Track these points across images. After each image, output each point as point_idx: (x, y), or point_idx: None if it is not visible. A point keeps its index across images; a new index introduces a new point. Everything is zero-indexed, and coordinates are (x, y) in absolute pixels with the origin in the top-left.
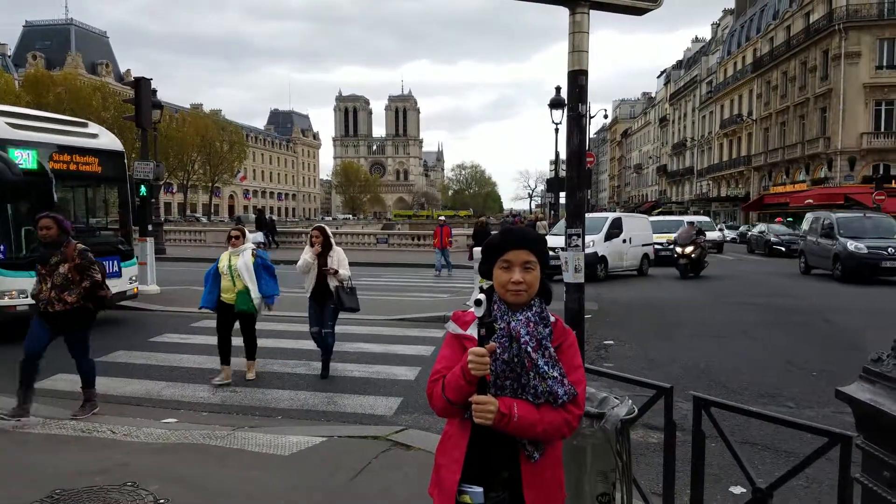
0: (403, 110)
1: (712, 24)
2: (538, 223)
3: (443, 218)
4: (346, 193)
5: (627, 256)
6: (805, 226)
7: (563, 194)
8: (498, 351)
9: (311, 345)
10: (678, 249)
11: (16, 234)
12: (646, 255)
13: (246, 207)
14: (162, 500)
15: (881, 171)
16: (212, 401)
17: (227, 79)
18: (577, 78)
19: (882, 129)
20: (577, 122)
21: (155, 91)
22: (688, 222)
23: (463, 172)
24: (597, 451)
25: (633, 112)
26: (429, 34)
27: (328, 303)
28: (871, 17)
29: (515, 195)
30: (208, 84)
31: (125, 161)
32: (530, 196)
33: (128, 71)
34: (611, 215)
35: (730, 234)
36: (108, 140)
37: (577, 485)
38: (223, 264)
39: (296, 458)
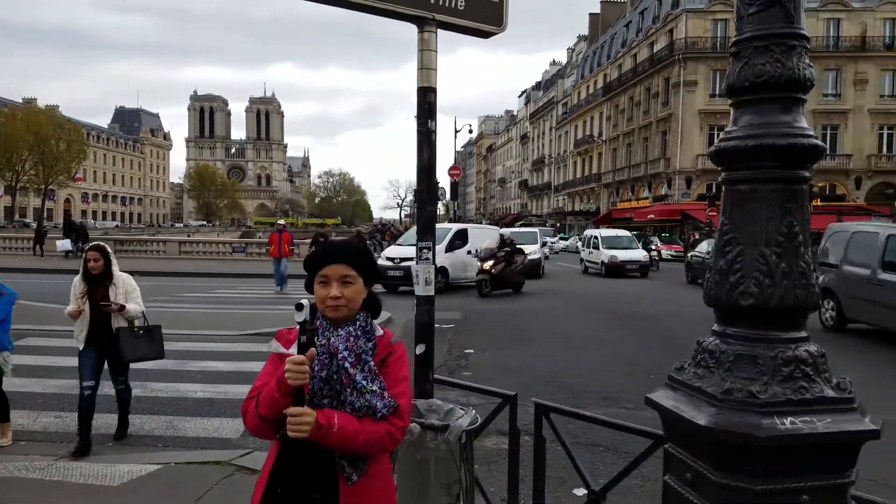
0: (266, 113)
1: (568, 49)
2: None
3: (282, 222)
4: (201, 198)
5: (472, 268)
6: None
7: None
8: (316, 368)
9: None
10: (478, 264)
11: None
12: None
13: (84, 212)
14: None
15: (714, 190)
16: (32, 428)
17: (65, 71)
18: (427, 95)
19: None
20: (426, 138)
21: None
22: (501, 234)
23: (331, 180)
24: (440, 463)
25: (497, 128)
26: (294, 37)
27: (114, 351)
28: (706, 49)
29: (385, 204)
30: (44, 77)
31: None
32: (400, 206)
33: None
34: (455, 226)
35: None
36: None
37: (420, 499)
38: None
39: (127, 489)
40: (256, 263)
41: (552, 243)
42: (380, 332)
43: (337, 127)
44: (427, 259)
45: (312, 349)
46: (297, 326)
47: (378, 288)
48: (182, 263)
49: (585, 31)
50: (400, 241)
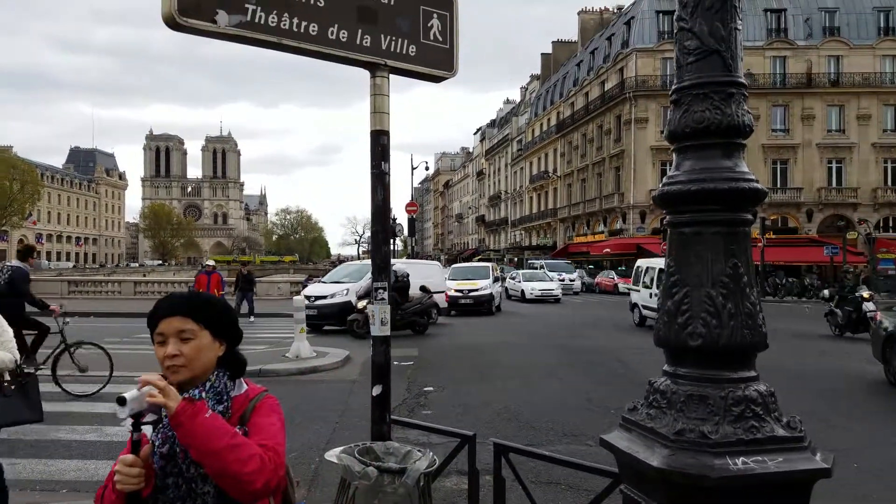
0: (223, 151)
1: (521, 88)
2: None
3: (211, 263)
4: (156, 237)
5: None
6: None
7: (397, 239)
8: (157, 444)
9: (104, 407)
10: (356, 303)
11: None
12: (433, 304)
13: (39, 253)
14: None
15: None
16: None
17: (19, 111)
18: (380, 137)
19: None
20: (380, 180)
21: None
22: (394, 270)
23: (288, 217)
24: None
25: (453, 165)
26: (250, 77)
27: None
28: (655, 87)
29: (343, 240)
30: None
31: None
32: (357, 242)
33: None
34: (401, 263)
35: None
36: None
37: None
38: None
39: None
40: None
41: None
42: (242, 388)
43: (293, 164)
44: (383, 300)
45: (147, 446)
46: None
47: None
48: (138, 304)
49: (538, 71)
50: (326, 277)
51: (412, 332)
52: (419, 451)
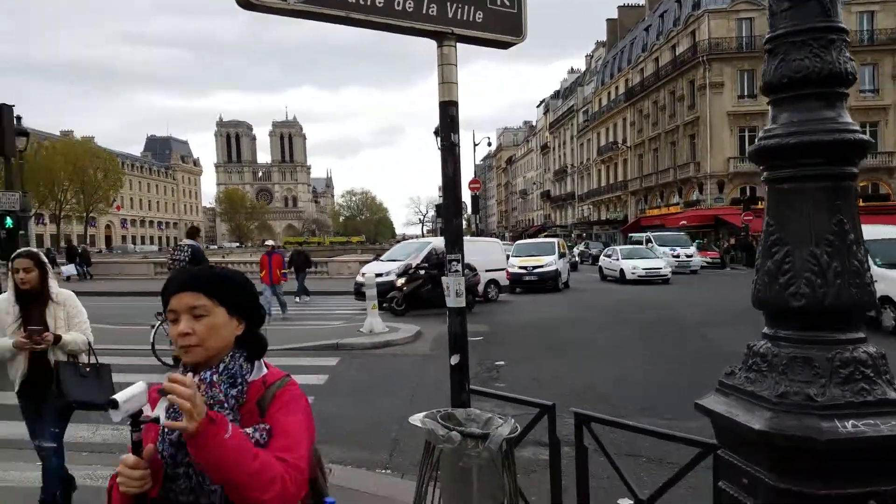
0: (289, 136)
1: (586, 56)
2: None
3: (271, 243)
4: (232, 221)
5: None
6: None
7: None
8: (167, 430)
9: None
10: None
11: None
12: (493, 281)
13: (124, 238)
14: None
15: (748, 193)
16: (93, 440)
17: (100, 105)
18: (448, 109)
19: (746, 155)
20: (450, 152)
21: (19, 118)
22: (433, 248)
23: (353, 198)
24: (483, 471)
25: (516, 140)
26: (312, 62)
27: (49, 395)
28: (731, 49)
29: (407, 220)
30: (80, 111)
31: None
32: (421, 221)
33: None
34: (435, 240)
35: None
36: None
37: None
38: None
39: None
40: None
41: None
42: (261, 371)
43: (357, 147)
44: (457, 272)
45: (151, 446)
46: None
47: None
48: None
49: (604, 38)
50: (384, 256)
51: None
52: (500, 417)
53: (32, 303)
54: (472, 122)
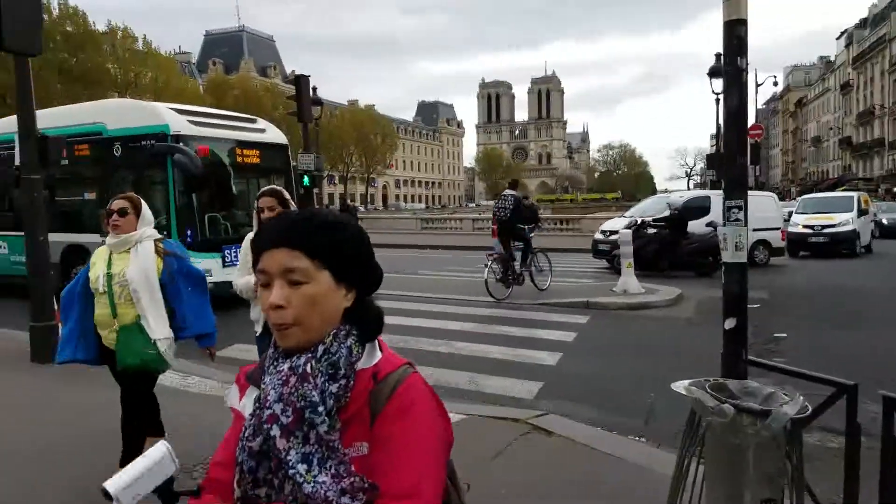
0: (547, 92)
1: None
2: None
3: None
4: (489, 180)
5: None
6: None
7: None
8: (248, 434)
9: (452, 324)
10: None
11: (200, 221)
12: (762, 242)
13: (397, 196)
14: None
15: None
16: None
17: (378, 74)
18: (735, 28)
19: None
20: (735, 78)
21: (315, 89)
22: (668, 204)
23: (610, 153)
24: (760, 452)
25: (808, 79)
26: (571, 11)
27: None
28: None
29: (671, 175)
30: (363, 81)
31: (289, 153)
32: (688, 175)
33: (293, 72)
34: (689, 194)
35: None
36: (274, 134)
37: (736, 489)
38: (96, 272)
39: None
40: (539, 238)
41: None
42: (374, 357)
43: (615, 99)
44: (737, 221)
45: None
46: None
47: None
48: (474, 238)
49: None
50: (628, 213)
51: (694, 273)
52: (785, 393)
53: None
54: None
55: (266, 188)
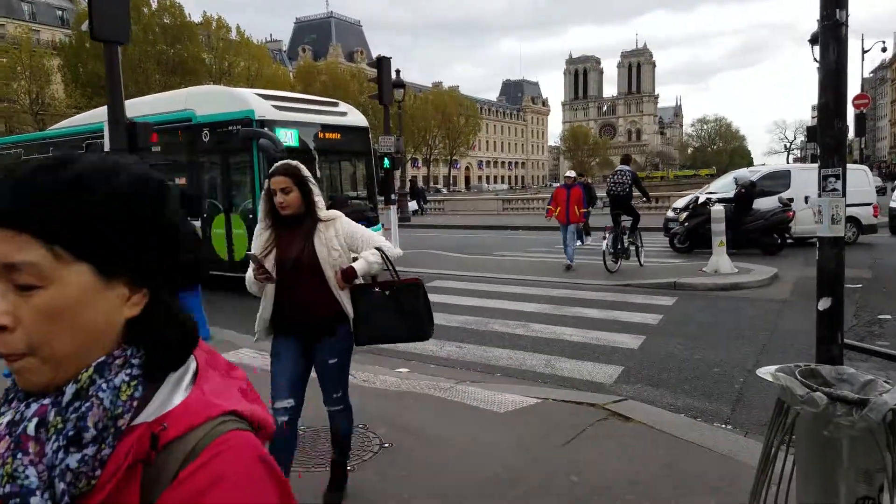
0: (637, 65)
1: None
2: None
3: (571, 174)
4: (574, 158)
5: (800, 220)
6: None
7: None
8: None
9: (529, 306)
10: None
11: None
12: (851, 219)
13: (480, 178)
14: (387, 444)
15: None
16: (439, 354)
17: (464, 56)
18: None
19: None
20: (833, 33)
21: (398, 72)
22: (734, 178)
23: (704, 127)
24: (857, 445)
25: None
26: None
27: (324, 338)
28: None
29: (769, 149)
30: (447, 63)
31: (370, 136)
32: (787, 149)
33: (378, 56)
34: (768, 168)
35: None
36: (355, 117)
37: (829, 484)
38: None
39: (511, 416)
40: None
41: None
42: (169, 403)
43: (710, 71)
44: (834, 191)
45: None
46: None
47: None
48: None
49: None
50: (709, 188)
51: (760, 252)
52: (886, 381)
53: (300, 230)
54: (861, 25)
55: (279, 164)
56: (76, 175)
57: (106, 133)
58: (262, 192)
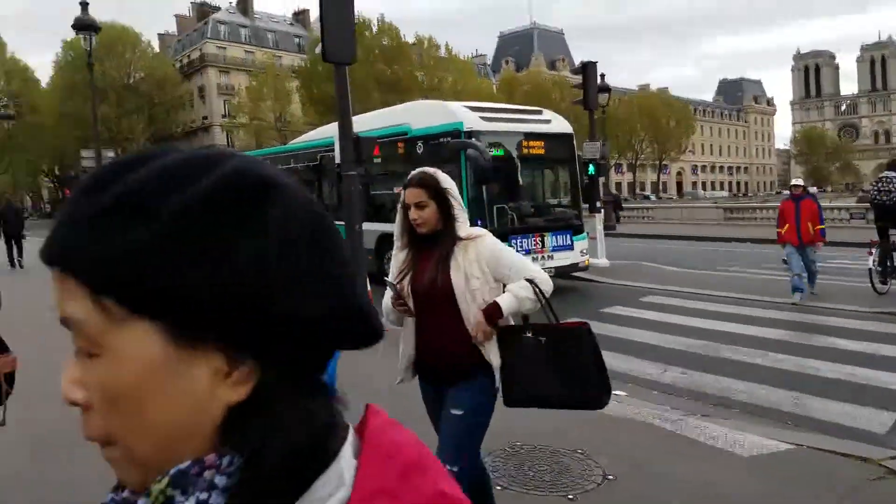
0: (882, 59)
1: None
2: None
3: (799, 182)
4: (809, 163)
5: None
6: None
7: None
8: None
9: (767, 332)
10: None
11: (489, 212)
12: None
13: (694, 184)
14: (610, 476)
15: None
16: (662, 380)
17: (674, 56)
18: None
19: None
20: None
21: (603, 76)
22: None
23: None
24: None
25: None
26: None
27: (459, 382)
28: None
29: None
30: (655, 65)
31: (574, 143)
32: None
33: (581, 62)
34: None
35: None
36: (559, 124)
37: None
38: None
39: (756, 462)
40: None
41: None
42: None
43: None
44: None
45: None
46: None
47: None
48: None
49: None
50: None
51: None
52: None
53: (432, 254)
54: None
55: (414, 172)
56: (126, 190)
57: (336, 146)
58: (399, 206)
